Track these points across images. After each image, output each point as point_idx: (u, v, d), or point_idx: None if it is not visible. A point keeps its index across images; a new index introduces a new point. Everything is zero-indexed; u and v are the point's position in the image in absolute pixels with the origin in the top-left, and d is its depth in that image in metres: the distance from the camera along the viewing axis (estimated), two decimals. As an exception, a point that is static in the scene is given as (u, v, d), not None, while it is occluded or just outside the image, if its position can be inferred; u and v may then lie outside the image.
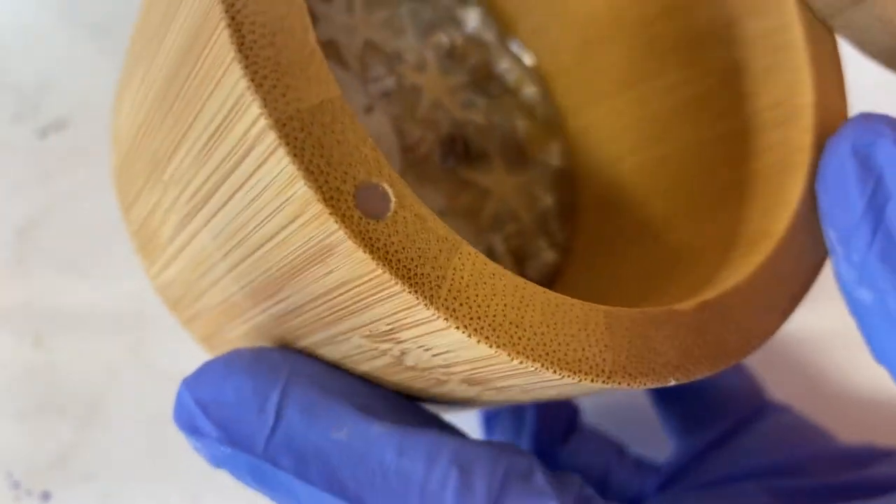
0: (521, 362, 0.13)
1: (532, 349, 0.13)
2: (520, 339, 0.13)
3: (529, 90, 0.25)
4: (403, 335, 0.13)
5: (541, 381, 0.14)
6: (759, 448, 0.22)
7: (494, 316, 0.13)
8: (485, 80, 0.24)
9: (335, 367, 0.16)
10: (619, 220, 0.23)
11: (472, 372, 0.14)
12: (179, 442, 0.26)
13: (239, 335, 0.18)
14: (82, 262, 0.26)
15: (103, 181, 0.27)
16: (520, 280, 0.13)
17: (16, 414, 0.25)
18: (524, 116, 0.25)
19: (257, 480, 0.15)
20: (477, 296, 0.13)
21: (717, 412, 0.23)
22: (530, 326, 0.13)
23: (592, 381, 0.13)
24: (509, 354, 0.13)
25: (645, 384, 0.14)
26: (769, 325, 0.16)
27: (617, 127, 0.23)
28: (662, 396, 0.25)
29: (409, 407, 0.16)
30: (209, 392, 0.15)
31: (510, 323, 0.13)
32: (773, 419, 0.23)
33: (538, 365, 0.13)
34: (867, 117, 0.16)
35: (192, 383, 0.15)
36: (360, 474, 0.14)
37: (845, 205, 0.16)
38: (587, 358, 0.14)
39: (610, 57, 0.23)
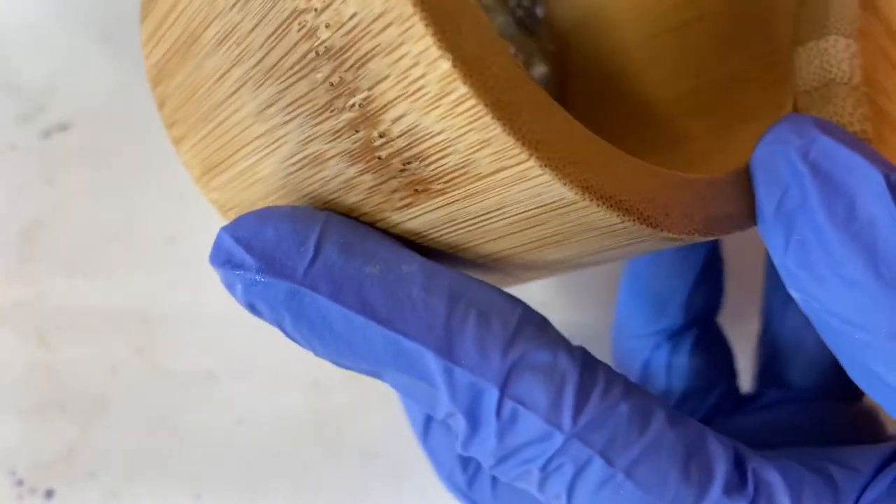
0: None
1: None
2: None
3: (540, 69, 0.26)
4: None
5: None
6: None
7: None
8: (524, 19, 0.25)
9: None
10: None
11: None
12: (181, 440, 0.27)
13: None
14: (86, 262, 0.27)
15: (107, 182, 0.27)
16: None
17: (19, 412, 0.25)
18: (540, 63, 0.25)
19: (291, 308, 0.16)
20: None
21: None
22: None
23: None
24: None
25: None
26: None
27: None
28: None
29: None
30: (249, 232, 0.16)
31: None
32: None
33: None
34: (779, 126, 0.17)
35: (231, 227, 0.16)
36: (390, 301, 0.16)
37: (760, 212, 0.17)
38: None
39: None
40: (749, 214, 0.17)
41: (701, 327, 0.24)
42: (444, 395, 0.16)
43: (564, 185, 0.14)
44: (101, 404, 0.26)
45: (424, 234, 0.17)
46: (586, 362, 0.16)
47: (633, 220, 0.15)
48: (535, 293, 0.28)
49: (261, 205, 0.19)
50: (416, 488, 0.27)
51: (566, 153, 0.14)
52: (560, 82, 0.26)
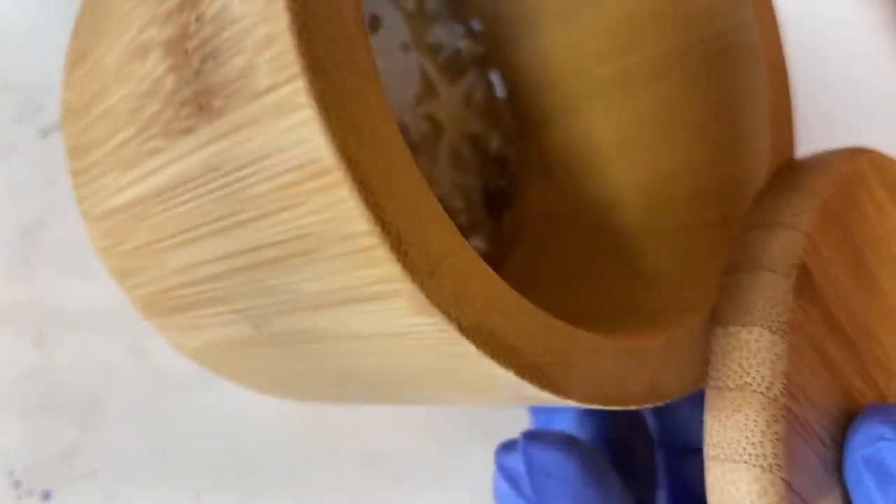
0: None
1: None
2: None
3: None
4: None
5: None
6: None
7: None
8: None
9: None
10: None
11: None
12: (181, 440, 0.27)
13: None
14: (86, 262, 0.27)
15: (106, 182, 0.27)
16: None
17: (17, 413, 0.25)
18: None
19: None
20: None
21: None
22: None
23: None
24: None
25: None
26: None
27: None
28: None
29: None
30: (541, 457, 0.20)
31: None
32: None
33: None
34: (868, 422, 0.17)
35: (536, 441, 0.20)
36: None
37: None
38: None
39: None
40: (693, 382, 0.16)
41: None
42: None
43: (327, 140, 0.12)
44: (100, 405, 0.26)
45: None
46: None
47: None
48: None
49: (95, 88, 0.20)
50: (416, 489, 0.27)
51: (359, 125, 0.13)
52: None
